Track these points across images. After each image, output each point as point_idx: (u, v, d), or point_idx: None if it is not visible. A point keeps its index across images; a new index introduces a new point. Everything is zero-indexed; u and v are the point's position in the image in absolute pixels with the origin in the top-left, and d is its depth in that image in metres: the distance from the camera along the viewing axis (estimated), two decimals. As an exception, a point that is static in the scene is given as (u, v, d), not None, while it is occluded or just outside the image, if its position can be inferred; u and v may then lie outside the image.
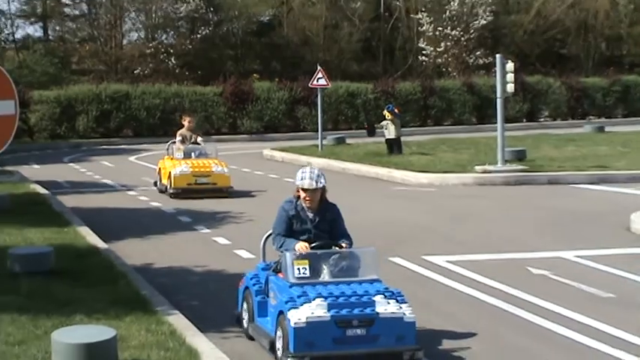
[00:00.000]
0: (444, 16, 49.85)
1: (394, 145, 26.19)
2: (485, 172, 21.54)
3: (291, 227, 8.12)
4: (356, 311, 7.24)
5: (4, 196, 16.00)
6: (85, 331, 7.27)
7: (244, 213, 16.58)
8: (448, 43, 49.86)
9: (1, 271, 10.10)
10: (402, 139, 26.80)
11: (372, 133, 36.33)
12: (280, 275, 7.86)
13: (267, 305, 8.00)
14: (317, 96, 31.07)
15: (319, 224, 8.13)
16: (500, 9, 52.75)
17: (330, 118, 40.28)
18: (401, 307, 7.37)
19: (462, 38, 49.70)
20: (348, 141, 32.17)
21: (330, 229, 8.18)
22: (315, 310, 7.18)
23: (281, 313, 7.40)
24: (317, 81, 30.30)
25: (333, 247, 7.94)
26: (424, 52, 50.54)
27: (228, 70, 48.95)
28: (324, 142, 30.23)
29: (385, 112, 26.57)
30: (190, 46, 48.84)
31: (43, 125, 38.54)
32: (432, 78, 46.74)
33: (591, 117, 46.17)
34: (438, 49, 50.00)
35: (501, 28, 53.60)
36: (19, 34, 53.95)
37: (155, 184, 20.48)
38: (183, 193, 18.67)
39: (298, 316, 7.15)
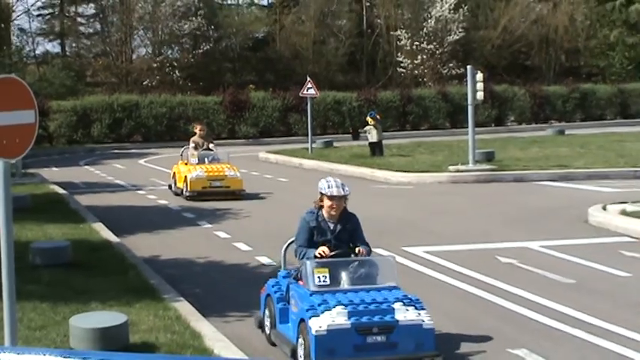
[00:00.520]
0: (420, 32, 49.83)
1: (376, 148, 26.18)
2: (458, 171, 21.55)
3: (312, 238, 7.52)
4: (376, 318, 6.77)
5: (25, 196, 16.00)
6: (99, 317, 7.28)
7: (242, 210, 16.52)
8: (424, 56, 49.83)
9: (24, 264, 10.07)
10: (384, 142, 26.77)
11: (356, 137, 36.40)
12: (301, 283, 7.36)
13: (288, 312, 7.49)
14: (307, 104, 31.00)
15: (340, 234, 7.55)
16: (470, 25, 52.67)
17: (318, 123, 40.19)
18: (420, 314, 6.90)
19: (437, 52, 49.65)
20: (336, 144, 32.15)
21: (349, 239, 7.60)
22: (335, 317, 6.72)
23: (302, 320, 6.91)
24: (307, 91, 30.25)
25: (352, 255, 7.43)
26: (402, 64, 50.46)
27: (227, 82, 48.96)
28: (314, 145, 30.16)
29: (368, 118, 26.56)
30: (193, 60, 48.71)
31: (62, 132, 38.38)
32: (410, 87, 46.68)
33: (553, 121, 46.21)
34: (415, 62, 49.96)
35: (472, 42, 53.61)
36: (39, 51, 53.90)
37: (170, 187, 19.96)
38: (198, 195, 18.28)
39: (319, 324, 6.69)
